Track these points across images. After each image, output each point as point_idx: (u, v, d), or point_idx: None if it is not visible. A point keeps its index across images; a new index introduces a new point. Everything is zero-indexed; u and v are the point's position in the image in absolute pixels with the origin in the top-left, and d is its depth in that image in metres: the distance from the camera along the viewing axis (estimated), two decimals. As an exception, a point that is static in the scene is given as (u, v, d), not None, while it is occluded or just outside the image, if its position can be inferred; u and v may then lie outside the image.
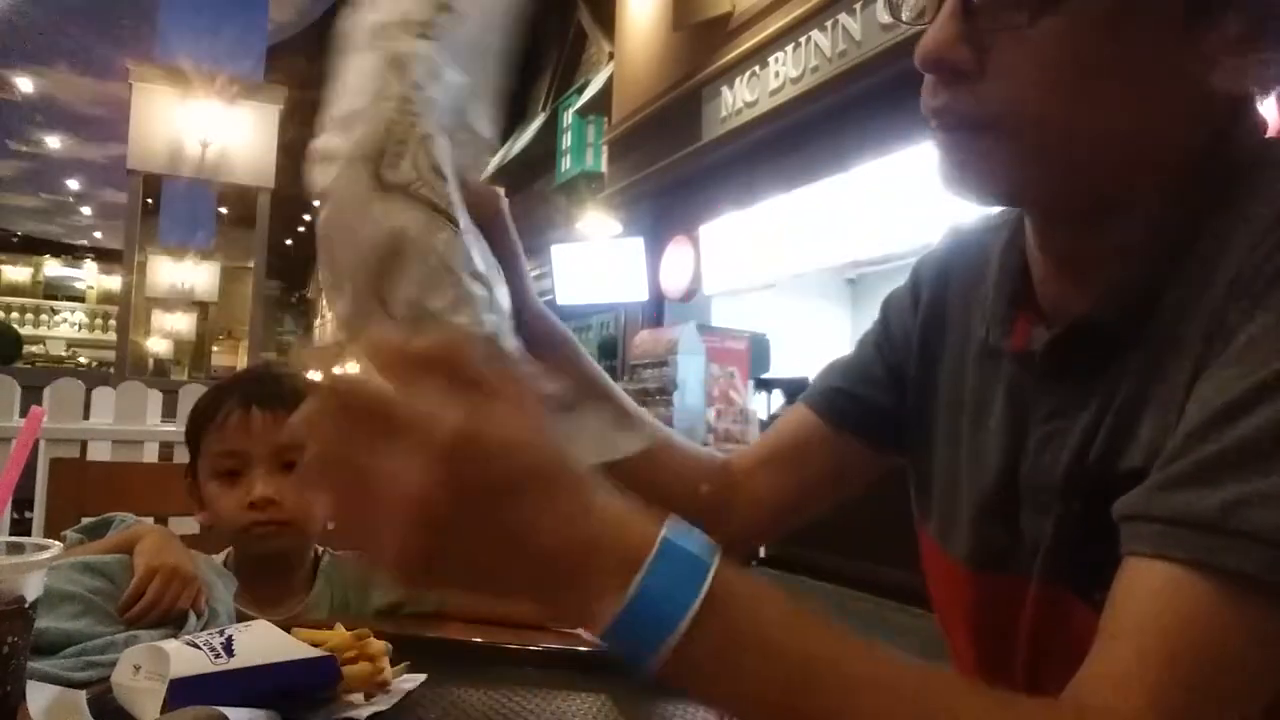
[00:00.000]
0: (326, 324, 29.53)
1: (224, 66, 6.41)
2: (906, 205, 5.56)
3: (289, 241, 30.31)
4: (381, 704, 0.71)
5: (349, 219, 0.48)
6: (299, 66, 13.24)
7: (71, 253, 27.18)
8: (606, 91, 10.32)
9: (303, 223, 29.20)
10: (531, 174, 14.46)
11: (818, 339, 8.17)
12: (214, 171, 6.28)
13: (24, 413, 2.99)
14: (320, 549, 1.15)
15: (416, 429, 0.37)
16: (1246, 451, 0.43)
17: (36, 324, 25.25)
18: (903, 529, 0.83)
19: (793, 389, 6.78)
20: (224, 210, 12.85)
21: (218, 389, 1.13)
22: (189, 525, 1.21)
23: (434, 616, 1.09)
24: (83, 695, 0.67)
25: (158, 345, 14.04)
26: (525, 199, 15.00)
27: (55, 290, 27.62)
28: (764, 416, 6.68)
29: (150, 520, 1.17)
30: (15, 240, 25.67)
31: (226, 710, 0.59)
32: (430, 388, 0.38)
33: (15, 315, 24.61)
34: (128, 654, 0.67)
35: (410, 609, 1.10)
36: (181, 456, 1.15)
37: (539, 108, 14.79)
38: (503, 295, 0.53)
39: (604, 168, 10.39)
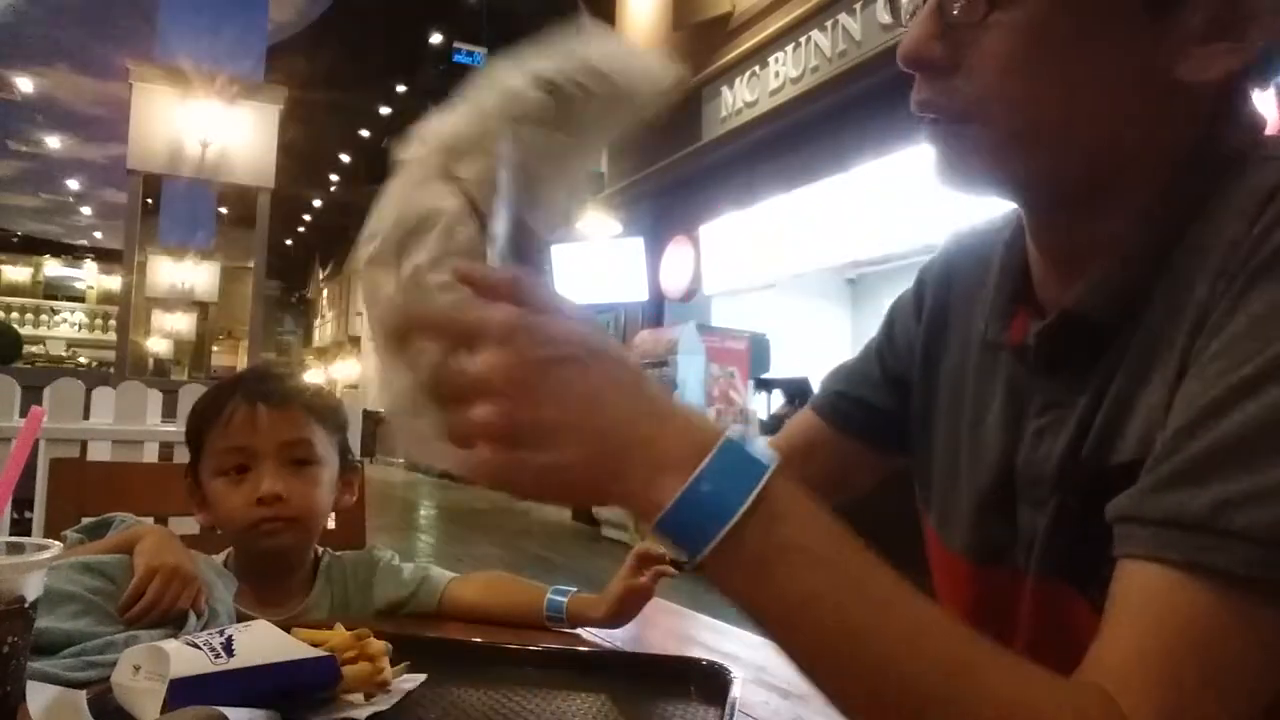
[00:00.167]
0: (326, 324, 29.57)
1: (224, 66, 6.40)
2: (906, 205, 5.57)
3: (289, 241, 30.35)
4: (381, 704, 0.71)
5: (408, 189, 0.53)
6: (299, 66, 13.25)
7: (71, 253, 27.19)
8: (606, 91, 10.33)
9: (303, 223, 29.24)
10: (531, 174, 14.46)
11: (818, 339, 8.19)
12: (214, 171, 6.27)
13: (24, 413, 2.99)
14: (320, 549, 1.15)
15: (491, 325, 0.45)
16: (1232, 449, 0.44)
17: (36, 324, 25.27)
18: (902, 528, 0.84)
19: (793, 389, 6.78)
20: (224, 210, 12.84)
21: (219, 388, 1.13)
22: (189, 525, 1.21)
23: (434, 617, 1.09)
24: (83, 695, 0.67)
25: (158, 345, 14.03)
26: (525, 199, 15.00)
27: (55, 290, 27.64)
28: (764, 416, 6.69)
29: (150, 520, 1.17)
30: (15, 240, 25.68)
31: (226, 710, 0.59)
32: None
33: (15, 315, 24.61)
34: (128, 654, 0.67)
35: (409, 609, 1.10)
36: (182, 456, 1.14)
37: (539, 108, 14.79)
38: None
39: (604, 168, 10.39)
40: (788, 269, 7.27)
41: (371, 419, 7.13)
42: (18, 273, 27.44)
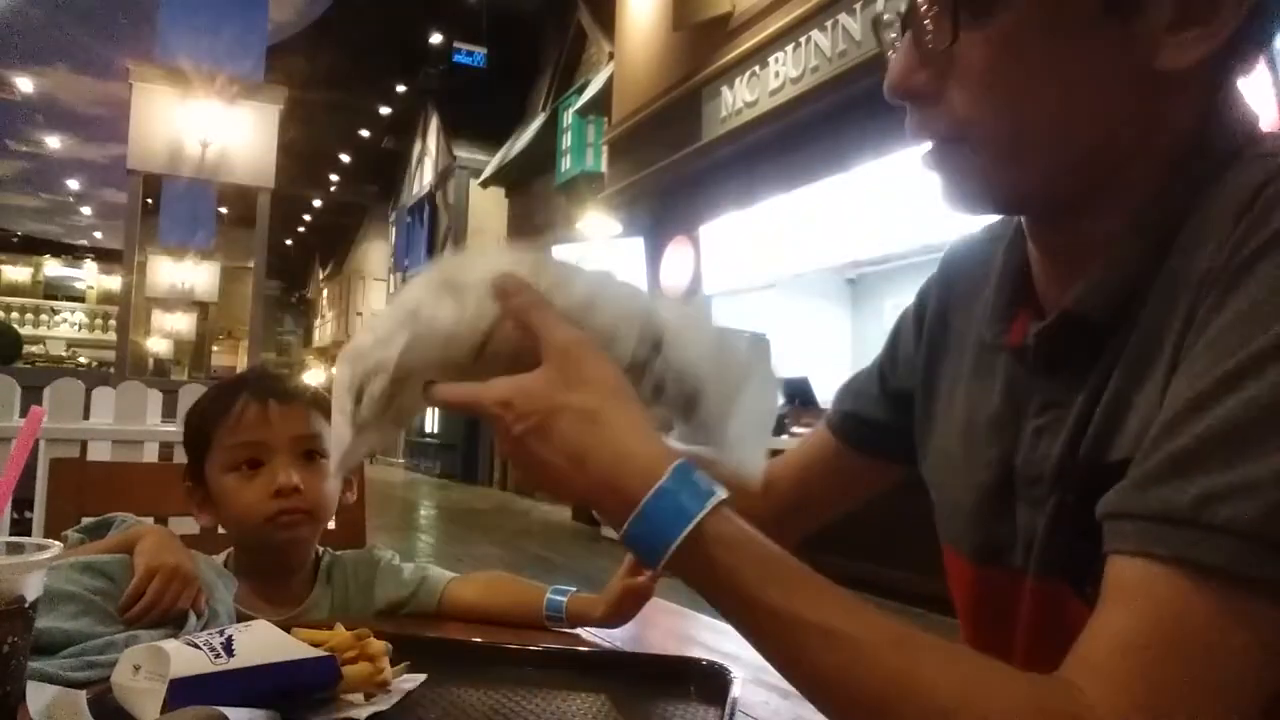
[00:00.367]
0: (326, 324, 29.57)
1: (224, 66, 6.39)
2: (906, 205, 5.56)
3: (289, 241, 30.34)
4: (381, 704, 0.71)
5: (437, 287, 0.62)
6: (299, 66, 13.25)
7: (71, 253, 27.19)
8: (606, 91, 10.33)
9: (303, 223, 29.23)
10: (531, 174, 14.46)
11: (818, 339, 8.17)
12: (214, 171, 6.27)
13: (24, 413, 2.99)
14: (321, 549, 1.16)
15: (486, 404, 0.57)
16: (1216, 443, 0.44)
17: (36, 324, 25.27)
18: (903, 531, 0.86)
19: (793, 389, 6.77)
20: (224, 210, 12.84)
21: (220, 388, 1.13)
22: (189, 525, 1.20)
23: (434, 617, 1.09)
24: (83, 695, 0.67)
25: (158, 345, 14.04)
26: (525, 199, 15.00)
27: (55, 290, 27.64)
28: (764, 416, 6.67)
29: (150, 520, 1.17)
30: (15, 240, 25.67)
31: (226, 710, 0.59)
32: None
33: (15, 315, 24.61)
34: (128, 654, 0.67)
35: (409, 609, 1.11)
36: (182, 456, 1.14)
37: (539, 108, 14.79)
38: None
39: (604, 168, 10.39)
40: (788, 269, 7.27)
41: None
42: (18, 273, 27.43)
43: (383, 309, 0.66)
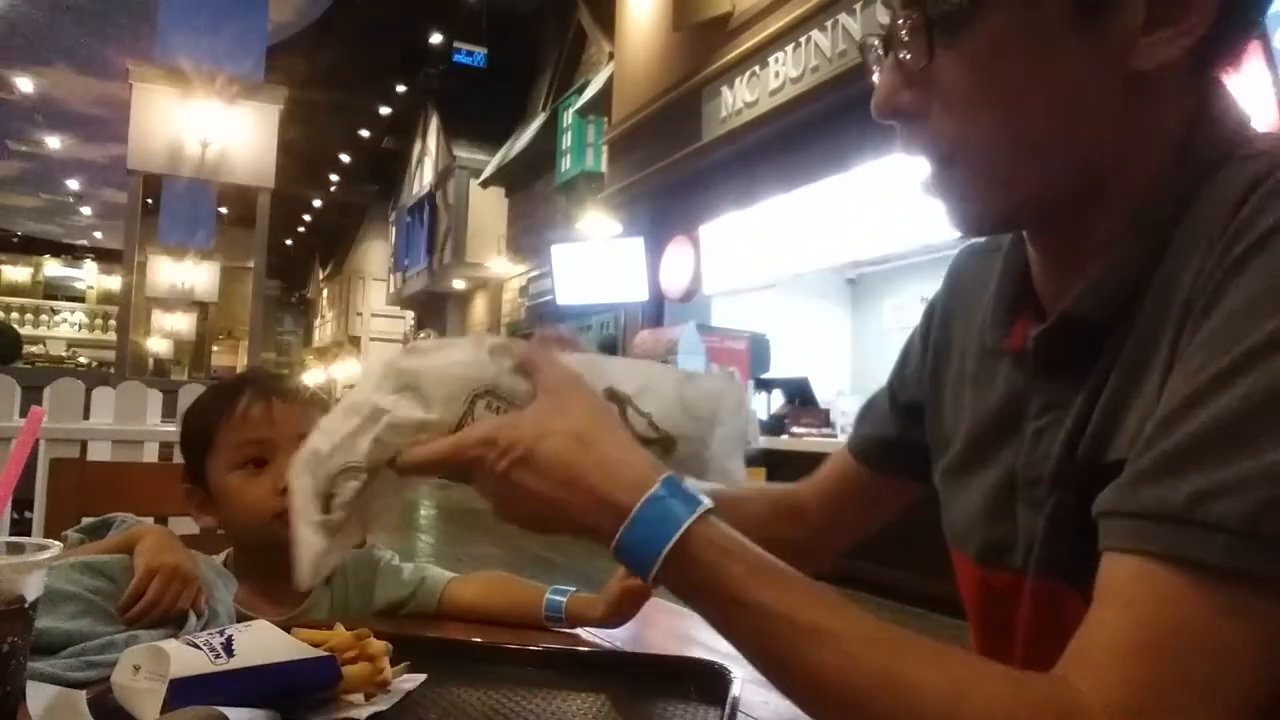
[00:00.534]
0: (326, 324, 29.58)
1: (224, 66, 6.39)
2: (906, 205, 5.56)
3: (289, 241, 30.34)
4: (381, 704, 0.71)
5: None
6: (299, 66, 13.25)
7: (71, 253, 27.18)
8: (606, 91, 10.33)
9: (303, 223, 29.23)
10: (531, 174, 14.46)
11: (818, 339, 8.18)
12: (214, 171, 6.27)
13: (24, 413, 2.99)
14: (320, 549, 1.15)
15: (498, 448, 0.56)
16: (1208, 441, 0.44)
17: (36, 324, 25.27)
18: (903, 532, 0.87)
19: (793, 389, 6.78)
20: (224, 210, 12.83)
21: (219, 388, 1.13)
22: (189, 525, 1.20)
23: (434, 617, 1.09)
24: (83, 695, 0.67)
25: (158, 345, 14.04)
26: (525, 199, 15.00)
27: (55, 290, 27.64)
28: (764, 416, 6.68)
29: (150, 520, 1.17)
30: (15, 240, 25.66)
31: (226, 710, 0.59)
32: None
33: (15, 315, 24.61)
34: (128, 654, 0.67)
35: (409, 609, 1.10)
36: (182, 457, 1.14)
37: (539, 108, 14.79)
38: None
39: (604, 168, 10.39)
40: (788, 269, 7.27)
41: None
42: (18, 273, 27.43)
43: (328, 416, 0.66)
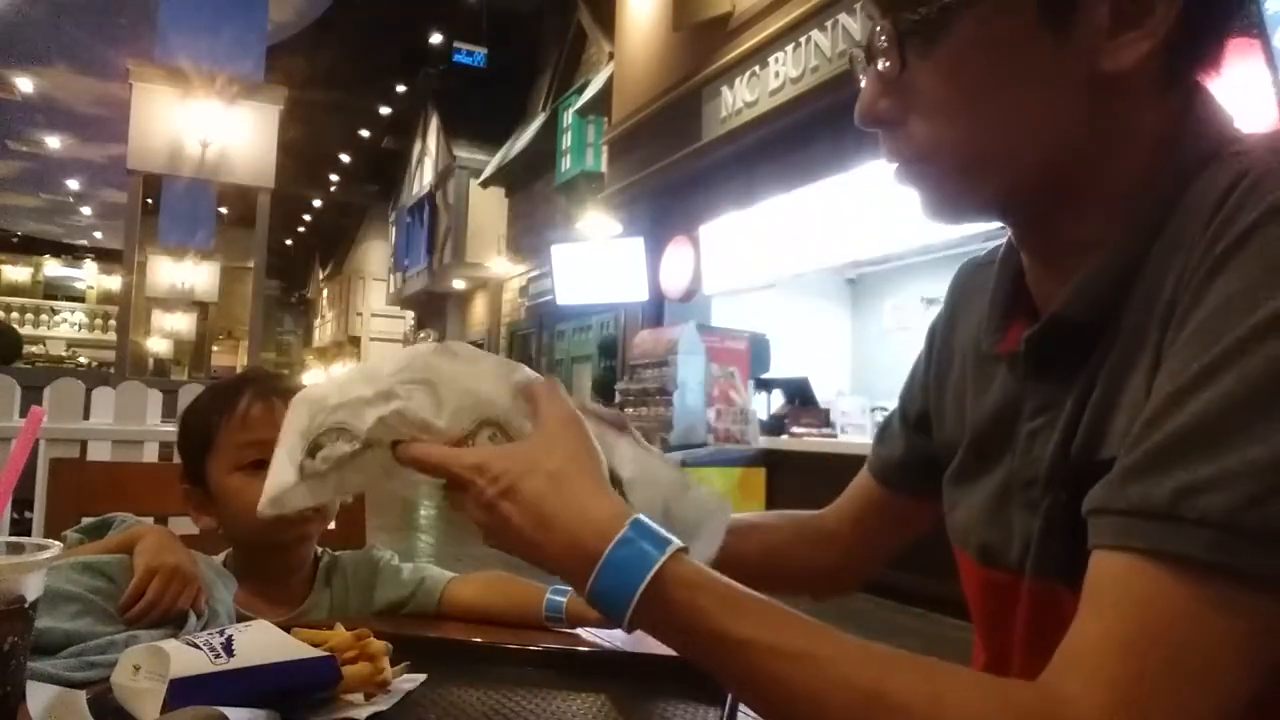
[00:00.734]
0: (326, 324, 29.58)
1: (224, 66, 6.40)
2: (906, 205, 5.53)
3: (289, 241, 30.33)
4: (381, 704, 0.71)
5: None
6: (299, 66, 13.24)
7: (71, 253, 27.18)
8: (606, 91, 10.33)
9: (303, 223, 29.22)
10: (531, 174, 14.46)
11: (818, 339, 8.18)
12: (214, 171, 6.27)
13: (24, 413, 2.99)
14: (320, 549, 1.16)
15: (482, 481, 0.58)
16: (1192, 437, 0.45)
17: (36, 324, 25.26)
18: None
19: (793, 389, 6.78)
20: (224, 210, 12.84)
21: (218, 388, 1.13)
22: (189, 525, 1.20)
23: (434, 617, 1.09)
24: (83, 695, 0.67)
25: (158, 345, 14.04)
26: (525, 199, 15.00)
27: (55, 290, 27.63)
28: (764, 416, 6.68)
29: (150, 520, 1.17)
30: (15, 240, 25.66)
31: (226, 710, 0.59)
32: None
33: (15, 315, 24.60)
34: (128, 654, 0.67)
35: (409, 609, 1.10)
36: (182, 457, 1.14)
37: (539, 108, 14.79)
38: None
39: (604, 168, 10.39)
40: (788, 269, 7.27)
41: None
42: (18, 273, 27.43)
43: (347, 370, 0.67)
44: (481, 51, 19.78)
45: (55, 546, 0.57)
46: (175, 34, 6.75)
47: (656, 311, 8.90)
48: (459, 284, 17.34)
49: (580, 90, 12.49)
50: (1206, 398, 0.45)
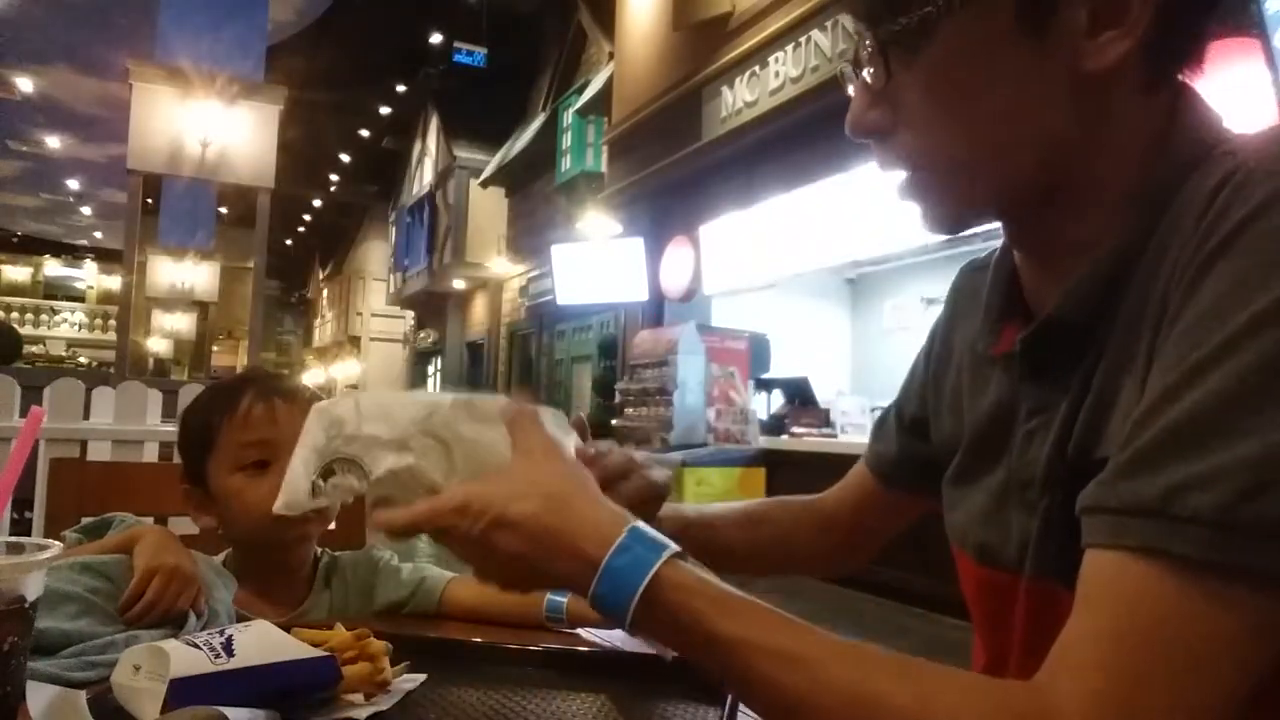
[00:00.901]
0: (326, 324, 29.58)
1: (224, 66, 6.41)
2: (906, 205, 5.55)
3: (289, 241, 30.33)
4: (381, 704, 0.71)
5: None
6: (299, 66, 13.24)
7: (71, 253, 27.19)
8: (606, 91, 10.32)
9: (303, 223, 29.22)
10: (531, 174, 14.45)
11: (818, 339, 8.18)
12: (214, 171, 6.27)
13: (24, 413, 2.99)
14: (320, 549, 1.16)
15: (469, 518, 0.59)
16: (1182, 435, 0.45)
17: (36, 324, 25.25)
18: (904, 532, 0.89)
19: (793, 389, 6.78)
20: (224, 210, 12.84)
21: (219, 389, 1.13)
22: (189, 525, 1.20)
23: (434, 617, 1.09)
24: (83, 695, 0.67)
25: (158, 345, 14.02)
26: (525, 199, 15.00)
27: (55, 290, 27.62)
28: (764, 416, 6.68)
29: (150, 520, 1.17)
30: (15, 240, 25.67)
31: (226, 710, 0.59)
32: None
33: (15, 315, 24.60)
34: (128, 654, 0.67)
35: (409, 609, 1.10)
36: (183, 457, 1.14)
37: (539, 108, 14.79)
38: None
39: (604, 168, 10.39)
40: (788, 269, 7.27)
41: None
42: (18, 273, 27.42)
43: (366, 396, 0.68)
44: (481, 51, 19.77)
45: (55, 546, 0.57)
46: (175, 34, 6.76)
47: (656, 311, 8.90)
48: (459, 284, 17.34)
49: (580, 90, 12.48)
50: (1197, 395, 0.45)
